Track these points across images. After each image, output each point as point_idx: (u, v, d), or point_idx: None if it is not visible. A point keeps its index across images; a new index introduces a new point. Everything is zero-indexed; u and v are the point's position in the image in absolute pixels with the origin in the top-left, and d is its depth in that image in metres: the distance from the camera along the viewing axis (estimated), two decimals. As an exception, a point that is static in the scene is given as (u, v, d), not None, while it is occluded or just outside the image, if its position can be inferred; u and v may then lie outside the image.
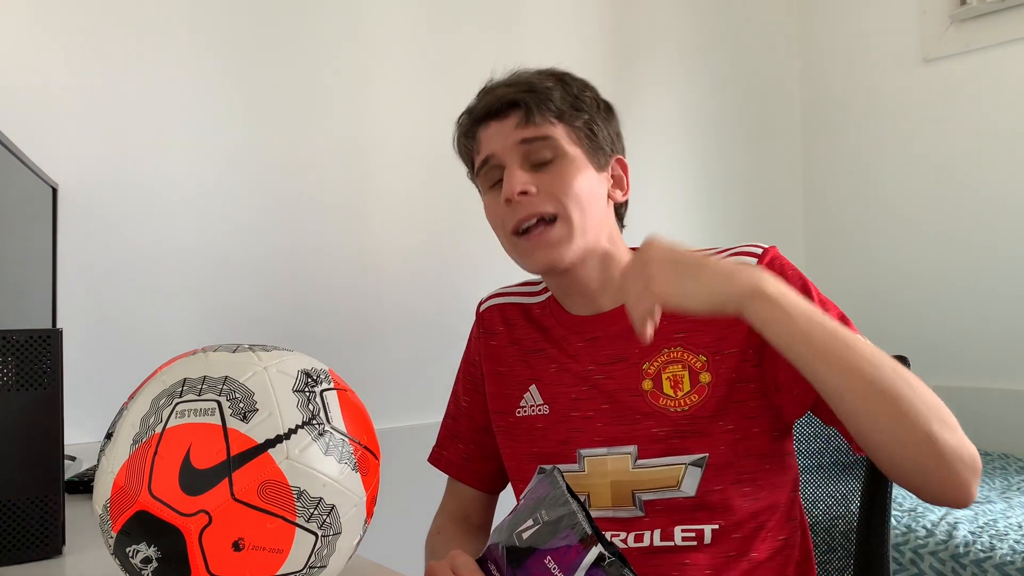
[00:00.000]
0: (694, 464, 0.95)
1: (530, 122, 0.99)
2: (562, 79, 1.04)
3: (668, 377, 0.98)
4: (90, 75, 1.72)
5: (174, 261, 1.80)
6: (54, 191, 1.54)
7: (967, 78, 2.54)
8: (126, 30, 1.76)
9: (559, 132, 1.00)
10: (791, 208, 2.95)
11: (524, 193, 0.98)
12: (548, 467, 0.74)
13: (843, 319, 0.93)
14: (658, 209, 2.49)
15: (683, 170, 2.63)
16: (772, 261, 0.97)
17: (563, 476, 0.72)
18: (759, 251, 0.99)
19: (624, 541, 0.96)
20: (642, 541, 0.96)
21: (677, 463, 0.95)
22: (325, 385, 0.73)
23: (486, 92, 1.05)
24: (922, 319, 2.62)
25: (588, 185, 1.00)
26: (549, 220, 0.98)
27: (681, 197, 2.61)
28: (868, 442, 0.84)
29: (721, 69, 2.75)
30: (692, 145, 2.66)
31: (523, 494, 0.74)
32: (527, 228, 0.99)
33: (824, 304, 0.94)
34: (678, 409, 0.96)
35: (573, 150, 1.00)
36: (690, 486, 0.95)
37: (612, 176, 1.06)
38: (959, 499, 0.83)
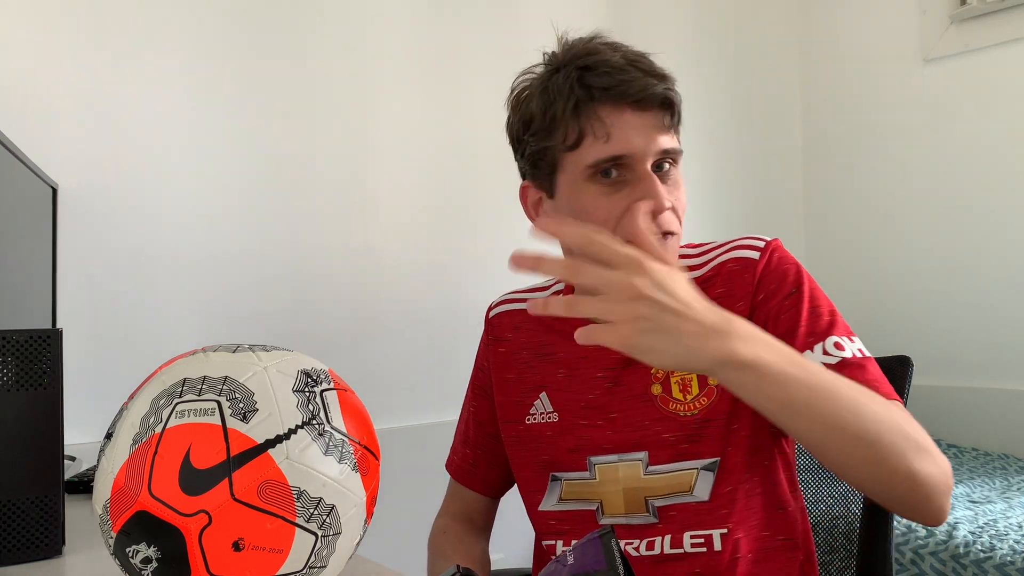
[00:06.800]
0: (706, 468, 0.94)
1: (671, 129, 0.93)
2: (669, 75, 0.96)
3: (677, 381, 0.96)
4: (90, 76, 1.72)
5: (174, 261, 1.80)
6: (54, 191, 1.54)
7: (967, 78, 2.53)
8: (126, 31, 1.76)
9: (679, 143, 0.95)
10: (792, 207, 2.95)
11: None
12: (606, 529, 0.71)
13: (832, 315, 0.93)
14: (658, 209, 2.49)
15: (683, 170, 2.63)
16: (772, 255, 0.97)
17: (619, 545, 0.69)
18: (761, 244, 0.98)
19: (636, 549, 0.95)
20: (653, 549, 0.95)
21: (689, 468, 0.95)
22: (325, 385, 0.73)
23: (614, 68, 0.91)
24: (922, 319, 2.62)
25: None
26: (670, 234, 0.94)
27: (681, 197, 2.61)
28: (849, 481, 0.84)
29: (721, 69, 2.75)
30: (692, 145, 2.65)
31: (572, 548, 0.72)
32: None
33: (814, 299, 0.94)
34: (688, 413, 0.95)
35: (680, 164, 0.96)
36: (703, 490, 0.94)
37: None
38: (933, 520, 0.83)
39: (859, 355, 0.90)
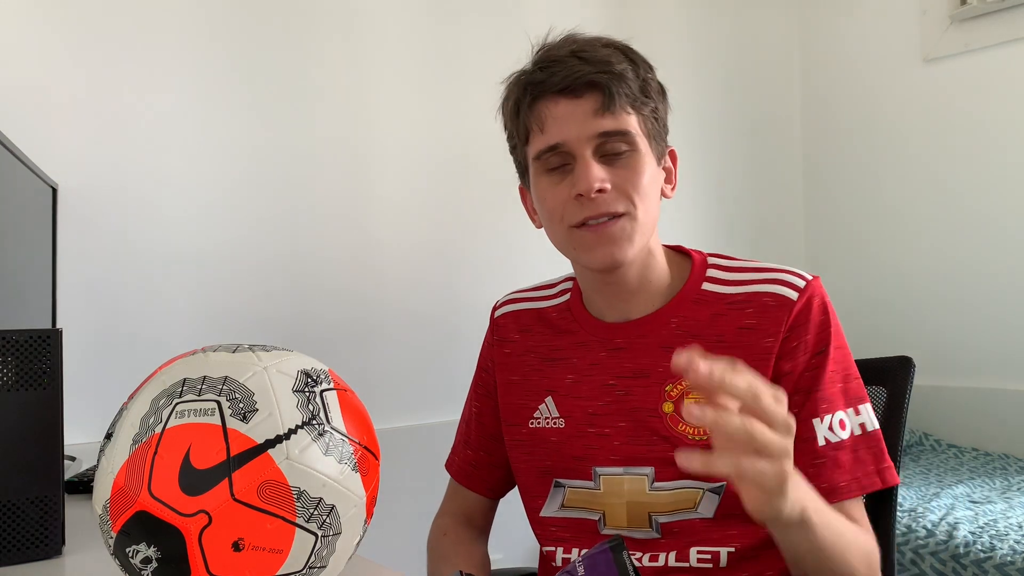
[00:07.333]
0: (712, 491, 0.93)
1: (609, 111, 0.92)
2: (629, 56, 0.96)
3: (691, 403, 0.95)
4: (90, 76, 1.72)
5: (174, 261, 1.80)
6: (54, 191, 1.54)
7: (967, 78, 2.54)
8: (126, 31, 1.76)
9: (633, 123, 0.94)
10: (792, 208, 2.94)
11: (600, 191, 0.91)
12: (616, 540, 0.70)
13: (846, 381, 0.94)
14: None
15: (683, 171, 2.63)
16: (811, 300, 0.94)
17: (630, 556, 0.69)
18: (801, 284, 0.95)
19: (639, 560, 0.95)
20: (657, 561, 0.94)
21: (695, 487, 0.93)
22: (325, 385, 0.73)
23: (553, 61, 0.94)
24: (923, 319, 2.62)
25: (653, 181, 0.96)
26: (616, 216, 0.93)
27: (681, 198, 2.61)
28: None
29: (721, 69, 2.75)
30: (692, 146, 2.65)
31: (581, 559, 0.71)
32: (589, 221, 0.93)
33: (838, 360, 0.93)
34: (697, 437, 0.93)
35: (643, 143, 0.94)
36: (708, 508, 0.93)
37: (664, 169, 1.01)
38: None
39: (858, 432, 0.93)
